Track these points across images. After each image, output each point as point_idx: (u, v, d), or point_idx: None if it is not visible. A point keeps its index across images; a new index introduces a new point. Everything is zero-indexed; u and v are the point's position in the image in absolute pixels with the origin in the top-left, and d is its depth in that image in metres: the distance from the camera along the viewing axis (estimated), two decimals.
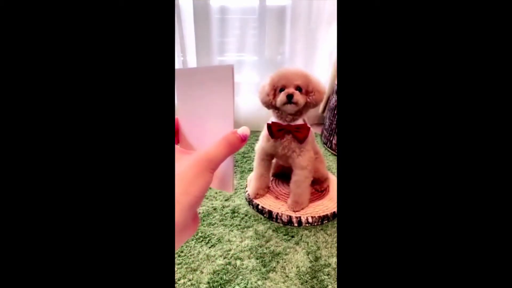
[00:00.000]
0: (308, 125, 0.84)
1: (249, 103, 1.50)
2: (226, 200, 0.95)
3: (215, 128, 0.25)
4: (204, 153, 0.23)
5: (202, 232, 0.80)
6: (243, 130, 0.25)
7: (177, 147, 0.25)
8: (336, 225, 0.84)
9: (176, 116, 0.28)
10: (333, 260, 0.71)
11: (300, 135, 0.81)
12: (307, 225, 0.83)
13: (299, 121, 0.83)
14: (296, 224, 0.83)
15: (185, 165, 0.22)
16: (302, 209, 0.86)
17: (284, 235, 0.79)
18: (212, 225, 0.83)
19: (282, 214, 0.83)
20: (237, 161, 1.18)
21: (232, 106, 0.24)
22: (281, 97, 0.78)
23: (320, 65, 1.50)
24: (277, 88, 0.80)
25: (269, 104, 0.83)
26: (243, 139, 0.24)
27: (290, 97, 0.76)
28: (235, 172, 1.09)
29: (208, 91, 0.25)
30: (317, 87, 0.80)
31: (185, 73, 0.26)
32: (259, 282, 0.65)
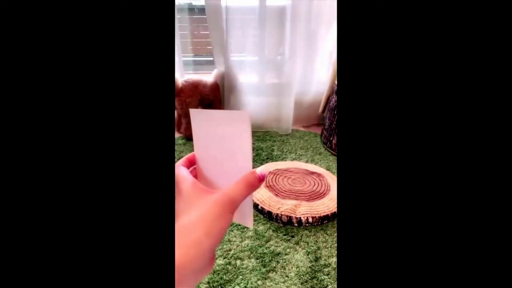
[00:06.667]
0: None
1: (250, 104, 1.50)
2: None
3: (234, 167, 0.26)
4: (225, 194, 0.23)
5: None
6: (262, 170, 0.25)
7: (200, 185, 0.26)
8: (336, 225, 0.84)
9: (193, 153, 0.29)
10: (333, 260, 0.71)
11: None
12: (307, 225, 0.83)
13: None
14: (296, 224, 0.83)
15: (207, 206, 0.22)
16: None
17: (284, 235, 0.79)
18: None
19: (282, 215, 0.83)
20: None
21: (250, 148, 0.25)
22: None
23: (320, 65, 1.50)
24: None
25: None
26: (262, 179, 0.25)
27: None
28: None
29: (226, 133, 0.26)
30: None
31: (201, 114, 0.28)
32: (259, 282, 0.65)
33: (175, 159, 0.27)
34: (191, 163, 0.30)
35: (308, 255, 0.73)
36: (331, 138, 1.29)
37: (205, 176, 0.29)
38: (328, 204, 0.89)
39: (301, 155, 1.26)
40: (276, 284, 0.65)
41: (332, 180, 1.01)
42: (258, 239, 0.78)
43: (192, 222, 0.22)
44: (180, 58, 1.44)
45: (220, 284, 0.65)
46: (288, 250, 0.74)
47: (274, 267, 0.69)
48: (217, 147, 0.27)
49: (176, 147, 1.31)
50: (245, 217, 0.28)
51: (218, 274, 0.67)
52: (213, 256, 0.23)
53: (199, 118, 0.28)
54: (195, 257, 0.20)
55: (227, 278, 0.66)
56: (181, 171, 0.27)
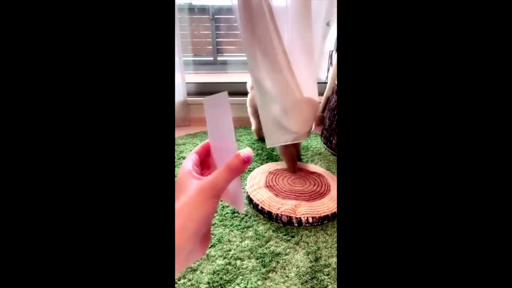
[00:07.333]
0: None
1: None
2: None
3: (223, 150, 0.27)
4: (208, 180, 0.24)
5: None
6: (246, 152, 0.25)
7: (193, 173, 0.26)
8: (336, 225, 0.84)
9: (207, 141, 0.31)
10: (333, 260, 0.71)
11: None
12: (307, 225, 0.83)
13: None
14: (296, 224, 0.83)
15: (191, 193, 0.23)
16: None
17: (284, 235, 0.79)
18: (212, 225, 0.83)
19: (282, 215, 0.83)
20: None
21: (232, 129, 0.26)
22: None
23: (320, 65, 1.50)
24: None
25: None
26: (246, 161, 0.25)
27: None
28: None
29: (214, 116, 0.27)
30: None
31: (209, 100, 0.29)
32: (259, 282, 0.65)
33: (175, 158, 0.27)
34: (205, 151, 0.31)
35: (308, 255, 0.73)
36: (331, 138, 1.29)
37: (213, 161, 0.30)
38: (328, 204, 0.88)
39: (301, 155, 1.26)
40: (276, 284, 0.65)
41: (332, 180, 1.01)
42: (258, 239, 0.78)
43: (178, 208, 0.23)
44: (180, 58, 1.44)
45: (220, 284, 0.65)
46: (288, 250, 0.74)
47: (274, 267, 0.69)
48: (212, 132, 0.29)
49: (176, 147, 1.31)
50: (236, 201, 0.29)
51: (218, 274, 0.67)
52: (202, 240, 0.24)
53: (207, 104, 0.29)
54: (180, 242, 0.21)
55: (227, 278, 0.66)
56: (186, 160, 0.28)
